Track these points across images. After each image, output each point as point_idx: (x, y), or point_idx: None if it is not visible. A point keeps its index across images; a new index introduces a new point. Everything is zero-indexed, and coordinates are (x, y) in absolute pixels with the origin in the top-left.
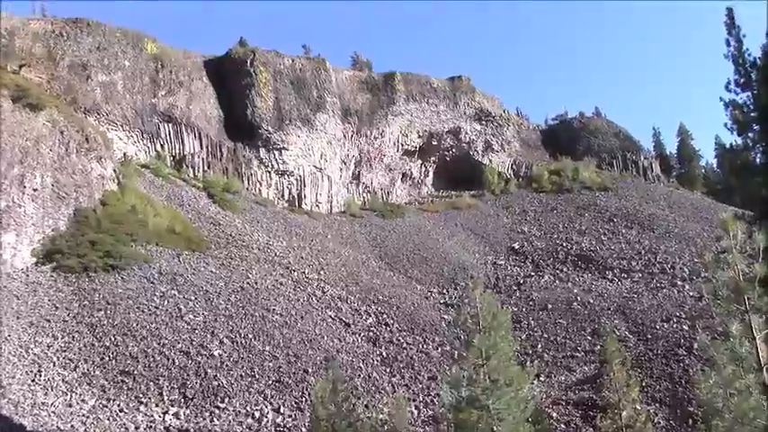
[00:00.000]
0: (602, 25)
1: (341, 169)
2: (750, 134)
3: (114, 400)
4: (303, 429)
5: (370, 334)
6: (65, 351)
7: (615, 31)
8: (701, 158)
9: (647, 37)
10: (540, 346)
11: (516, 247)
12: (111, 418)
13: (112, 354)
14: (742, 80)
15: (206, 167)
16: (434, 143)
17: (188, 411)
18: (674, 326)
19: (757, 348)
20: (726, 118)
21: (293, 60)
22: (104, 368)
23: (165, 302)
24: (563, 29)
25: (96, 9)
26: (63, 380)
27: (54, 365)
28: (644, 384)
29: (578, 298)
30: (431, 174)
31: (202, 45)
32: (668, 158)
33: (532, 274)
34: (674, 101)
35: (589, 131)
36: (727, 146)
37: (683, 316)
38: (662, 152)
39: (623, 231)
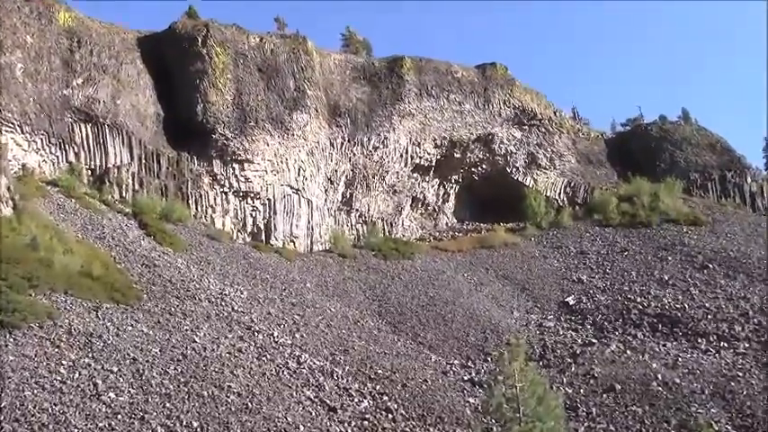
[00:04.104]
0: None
1: (326, 190)
2: None
3: None
4: None
5: (365, 423)
6: None
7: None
8: None
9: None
10: None
11: (571, 302)
12: None
13: None
14: None
15: (138, 185)
16: (457, 156)
17: None
18: None
19: None
20: None
21: (262, 39)
22: None
23: (76, 375)
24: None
25: None
26: None
27: None
28: None
29: (659, 376)
30: (452, 198)
31: (136, 17)
32: None
33: (594, 340)
34: None
35: (673, 143)
36: None
37: None
38: None
39: (722, 282)
